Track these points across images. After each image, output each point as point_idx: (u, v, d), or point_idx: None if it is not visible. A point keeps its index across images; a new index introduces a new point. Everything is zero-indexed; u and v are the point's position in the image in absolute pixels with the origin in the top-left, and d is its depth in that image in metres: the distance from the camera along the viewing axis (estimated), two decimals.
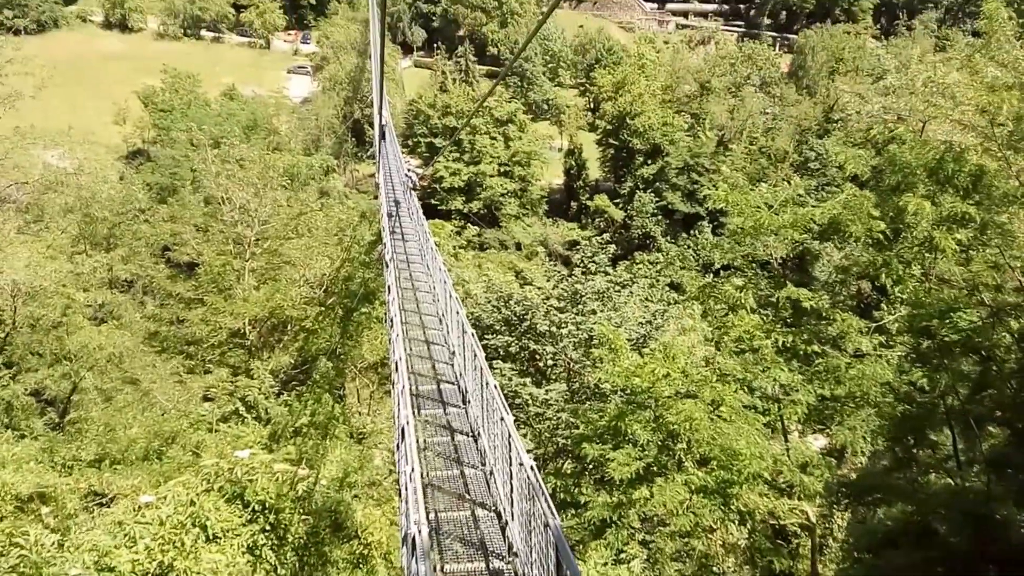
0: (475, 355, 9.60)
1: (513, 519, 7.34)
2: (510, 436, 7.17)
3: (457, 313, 11.67)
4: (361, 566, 14.55)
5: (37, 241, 26.17)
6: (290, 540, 12.93)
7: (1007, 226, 17.96)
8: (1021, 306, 17.61)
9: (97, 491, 13.51)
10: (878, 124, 28.00)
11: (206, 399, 23.72)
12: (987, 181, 17.46)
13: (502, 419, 7.61)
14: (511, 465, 7.27)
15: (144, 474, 14.72)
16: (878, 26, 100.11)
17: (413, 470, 7.10)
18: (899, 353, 17.37)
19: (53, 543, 9.50)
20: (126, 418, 20.66)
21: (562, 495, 17.97)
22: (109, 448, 18.78)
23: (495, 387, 8.29)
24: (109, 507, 12.55)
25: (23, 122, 27.73)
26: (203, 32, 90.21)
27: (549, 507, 5.74)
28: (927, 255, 18.17)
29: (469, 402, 10.71)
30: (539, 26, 7.53)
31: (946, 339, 14.83)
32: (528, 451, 19.34)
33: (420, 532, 5.94)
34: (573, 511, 17.34)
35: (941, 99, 19.14)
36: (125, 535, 10.51)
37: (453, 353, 12.64)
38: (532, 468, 6.44)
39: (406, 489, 7.46)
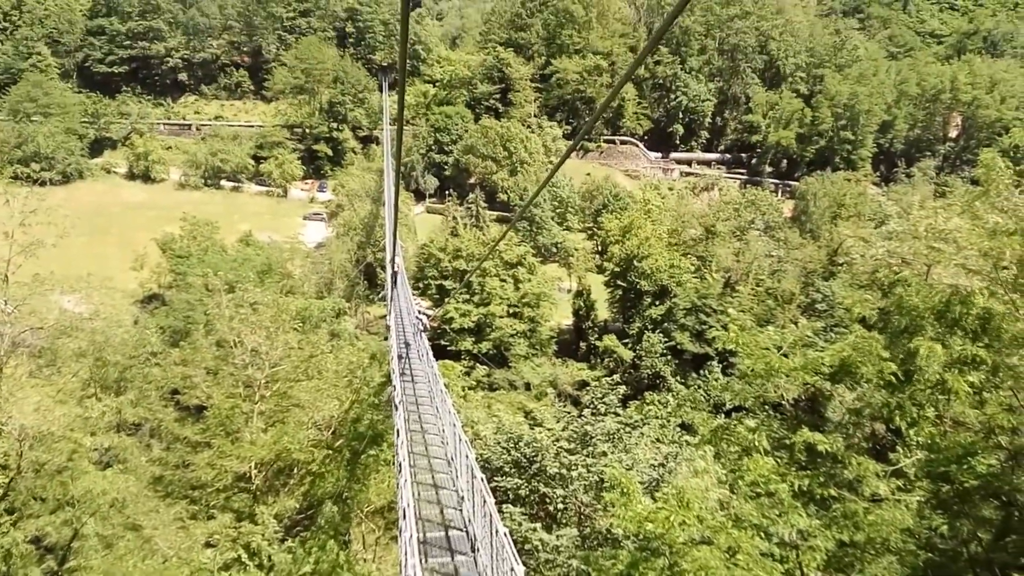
0: (484, 500, 9.37)
1: None
2: None
3: (467, 457, 11.45)
4: None
5: (48, 385, 26.13)
6: None
7: (1018, 368, 17.85)
8: None
9: None
10: (883, 268, 28.37)
11: (208, 546, 23.06)
12: (995, 324, 17.45)
13: (512, 570, 7.33)
14: None
15: None
16: (877, 173, 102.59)
17: None
18: (918, 498, 16.90)
19: None
20: (126, 566, 20.04)
21: None
22: None
23: (505, 534, 8.03)
24: None
25: (43, 269, 28.24)
26: (223, 182, 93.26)
27: None
28: (940, 397, 17.93)
29: (478, 550, 10.35)
30: (549, 176, 7.70)
31: (965, 484, 14.43)
32: None
33: None
34: None
35: (943, 244, 19.34)
36: None
37: (462, 498, 12.33)
38: None
39: None
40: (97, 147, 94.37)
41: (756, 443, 18.33)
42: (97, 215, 72.45)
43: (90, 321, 29.81)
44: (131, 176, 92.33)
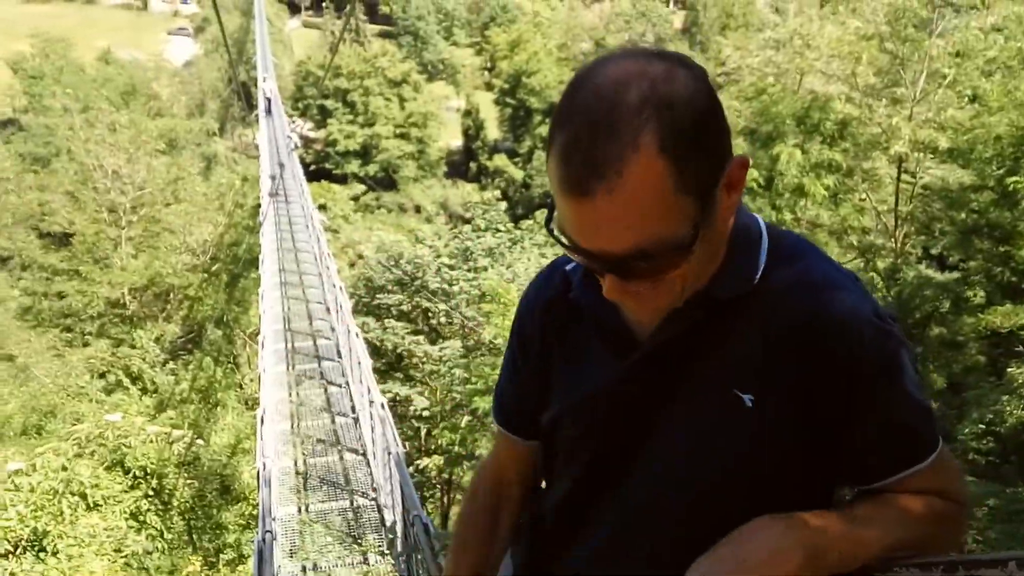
0: (340, 307, 9.95)
1: (375, 457, 7.74)
2: (363, 378, 7.55)
3: (328, 268, 11.96)
4: (252, 526, 14.75)
5: None
6: (175, 504, 13.04)
7: (871, 170, 19.13)
8: (886, 247, 18.85)
9: None
10: (761, 78, 29.13)
11: (98, 376, 23.27)
12: (852, 129, 18.55)
13: (359, 363, 7.98)
14: (371, 406, 7.66)
15: (18, 447, 14.56)
16: None
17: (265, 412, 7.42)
18: None
19: None
20: (1, 394, 20.21)
21: (458, 448, 18.46)
22: None
23: (357, 335, 8.64)
24: None
25: None
26: None
27: (394, 436, 6.14)
28: (799, 201, 19.18)
29: (342, 355, 11.04)
30: None
31: None
32: (424, 408, 19.79)
33: (265, 466, 6.27)
34: (468, 462, 17.90)
35: (810, 51, 20.11)
36: None
37: (328, 310, 12.93)
38: (383, 405, 6.84)
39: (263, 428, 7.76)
40: None
41: None
42: None
43: None
44: None
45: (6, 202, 29.58)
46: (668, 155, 0.95)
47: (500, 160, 60.77)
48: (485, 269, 23.16)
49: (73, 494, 11.16)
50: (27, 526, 10.28)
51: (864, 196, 19.40)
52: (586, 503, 1.27)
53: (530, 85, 60.85)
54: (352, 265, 30.58)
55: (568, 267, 1.29)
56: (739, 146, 18.47)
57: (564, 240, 1.03)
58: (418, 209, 57.64)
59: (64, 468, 11.11)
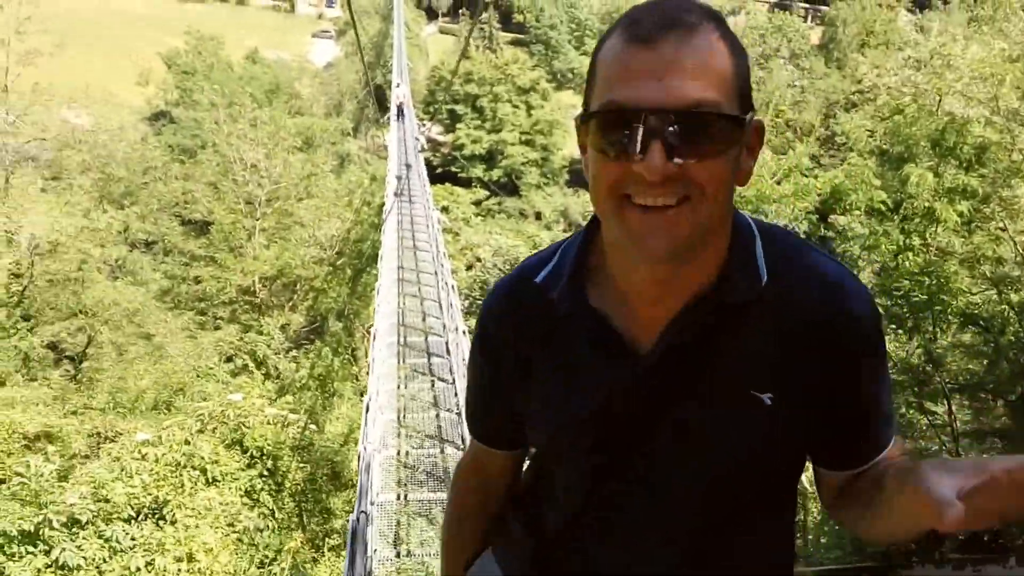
0: (451, 306, 10.13)
1: None
2: None
3: (442, 266, 12.20)
4: None
5: (56, 198, 26.86)
6: (288, 486, 13.55)
7: (1010, 199, 18.12)
8: (1022, 279, 17.81)
9: (102, 433, 14.20)
10: (904, 97, 27.93)
11: (226, 359, 24.33)
12: (990, 154, 17.62)
13: (464, 360, 8.10)
14: None
15: (148, 420, 15.41)
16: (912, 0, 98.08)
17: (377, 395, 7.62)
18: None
19: (51, 472, 10.10)
20: (138, 370, 21.38)
21: None
22: (120, 397, 19.55)
23: (465, 333, 8.80)
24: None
25: (43, 80, 28.34)
26: None
27: None
28: (928, 226, 18.34)
29: (451, 352, 11.24)
30: None
31: (914, 300, 15.15)
32: None
33: (367, 450, 6.44)
34: None
35: (950, 71, 19.21)
36: (122, 470, 11.07)
37: (441, 308, 13.17)
38: None
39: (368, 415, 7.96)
40: None
41: None
42: (95, 26, 71.04)
43: (93, 134, 30.18)
44: None
45: (154, 189, 31.31)
46: (727, 43, 1.07)
47: None
48: None
49: (194, 468, 11.73)
50: (149, 494, 10.85)
51: (1001, 225, 18.40)
52: (600, 507, 1.28)
53: None
54: (470, 267, 31.00)
55: (539, 278, 1.29)
56: (869, 166, 17.84)
57: (612, 110, 1.05)
58: (538, 216, 57.83)
59: (187, 442, 11.68)
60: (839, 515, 1.29)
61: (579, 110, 1.16)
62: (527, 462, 1.50)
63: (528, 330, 1.27)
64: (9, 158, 25.68)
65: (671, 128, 1.01)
